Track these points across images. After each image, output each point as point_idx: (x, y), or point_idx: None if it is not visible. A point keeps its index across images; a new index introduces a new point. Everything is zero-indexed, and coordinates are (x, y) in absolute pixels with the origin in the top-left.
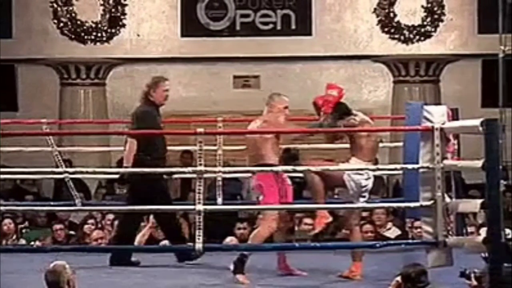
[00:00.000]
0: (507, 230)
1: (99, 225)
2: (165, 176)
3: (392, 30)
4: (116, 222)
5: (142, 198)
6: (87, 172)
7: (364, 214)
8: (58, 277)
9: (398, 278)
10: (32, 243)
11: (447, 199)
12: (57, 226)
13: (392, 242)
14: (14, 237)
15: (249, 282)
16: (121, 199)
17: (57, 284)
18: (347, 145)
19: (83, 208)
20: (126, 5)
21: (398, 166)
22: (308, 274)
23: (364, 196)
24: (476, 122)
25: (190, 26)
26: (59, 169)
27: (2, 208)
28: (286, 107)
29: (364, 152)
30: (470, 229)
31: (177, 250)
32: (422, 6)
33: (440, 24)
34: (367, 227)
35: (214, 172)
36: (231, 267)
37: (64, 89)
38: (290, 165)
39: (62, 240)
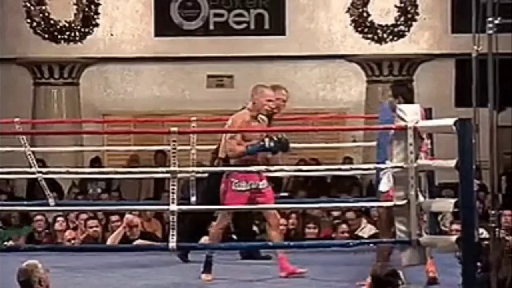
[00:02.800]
0: (480, 230)
1: (73, 225)
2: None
3: (366, 30)
4: (89, 222)
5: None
6: (60, 172)
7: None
8: (29, 276)
9: (369, 279)
10: (6, 243)
11: (421, 198)
12: (38, 217)
13: (366, 241)
14: None
15: (212, 280)
16: (94, 199)
17: (28, 283)
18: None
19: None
20: (99, 4)
21: (372, 166)
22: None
23: None
24: (450, 121)
25: (164, 26)
26: (32, 169)
27: None
28: (269, 100)
29: None
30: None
31: (150, 249)
32: (396, 6)
33: (414, 23)
34: (343, 227)
35: (188, 172)
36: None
37: (37, 88)
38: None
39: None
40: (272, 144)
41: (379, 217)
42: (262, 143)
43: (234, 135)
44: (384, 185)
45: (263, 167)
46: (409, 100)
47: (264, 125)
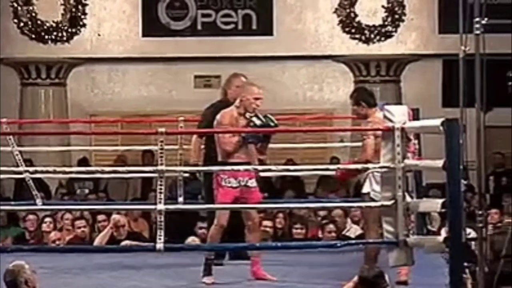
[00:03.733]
0: (468, 230)
1: (58, 226)
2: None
3: (353, 30)
4: (76, 222)
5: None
6: (47, 172)
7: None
8: (16, 276)
9: (355, 279)
10: None
11: (408, 199)
12: (30, 217)
13: (353, 241)
14: None
15: (213, 284)
16: (81, 199)
17: (15, 284)
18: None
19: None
20: (86, 4)
21: (359, 166)
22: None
23: None
24: (437, 122)
25: (151, 26)
26: (20, 169)
27: None
28: (257, 98)
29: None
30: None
31: (138, 250)
32: (383, 6)
33: (401, 24)
34: (330, 227)
35: (175, 171)
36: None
37: (24, 89)
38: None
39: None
40: (259, 121)
41: (364, 218)
42: (251, 124)
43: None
44: (366, 187)
45: (250, 167)
46: (373, 104)
47: None
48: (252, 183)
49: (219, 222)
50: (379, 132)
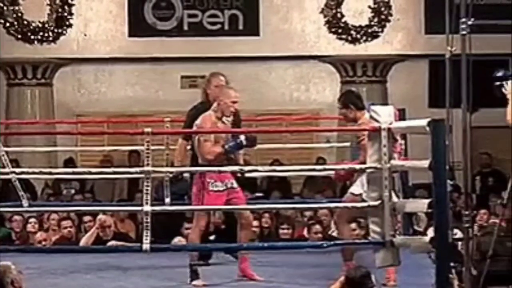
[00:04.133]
0: (455, 230)
1: (46, 226)
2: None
3: (340, 31)
4: (63, 223)
5: None
6: (33, 173)
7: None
8: (2, 277)
9: (342, 279)
10: None
11: (394, 199)
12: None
13: (339, 242)
14: None
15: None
16: (67, 200)
17: (1, 285)
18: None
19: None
20: (73, 5)
21: (346, 166)
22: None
23: None
24: (423, 122)
25: (138, 26)
26: (6, 169)
27: None
28: (234, 102)
29: None
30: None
31: (124, 251)
32: (369, 7)
33: (387, 24)
34: (316, 227)
35: (162, 172)
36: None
37: (10, 89)
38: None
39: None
40: (246, 141)
41: (338, 216)
42: (238, 140)
43: (208, 137)
44: (358, 188)
45: (237, 167)
46: (361, 107)
47: (228, 126)
48: (234, 183)
49: (198, 224)
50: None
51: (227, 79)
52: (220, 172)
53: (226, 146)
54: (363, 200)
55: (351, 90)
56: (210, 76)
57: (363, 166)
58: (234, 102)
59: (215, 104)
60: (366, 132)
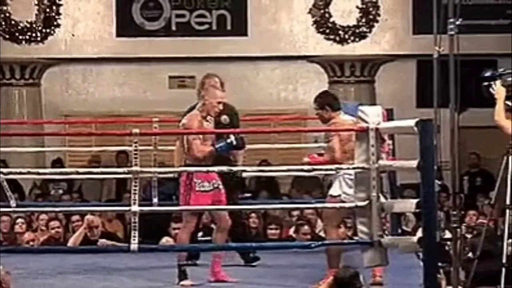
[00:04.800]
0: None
1: (34, 226)
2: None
3: (328, 31)
4: (51, 223)
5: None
6: (21, 173)
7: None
8: None
9: (330, 280)
10: None
11: (382, 199)
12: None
13: (327, 242)
14: None
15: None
16: (55, 200)
17: None
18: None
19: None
20: (61, 5)
21: (333, 166)
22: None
23: None
24: (411, 122)
25: (125, 26)
26: None
27: None
28: (219, 102)
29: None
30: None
31: (112, 251)
32: (357, 7)
33: (375, 24)
34: (305, 228)
35: (150, 172)
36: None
37: None
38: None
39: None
40: (236, 141)
41: (325, 219)
42: (229, 140)
43: (197, 136)
44: (336, 189)
45: (224, 167)
46: (337, 108)
47: (211, 126)
48: (220, 184)
49: (187, 225)
50: (346, 134)
51: (222, 80)
52: (208, 172)
53: (217, 146)
54: (342, 201)
55: (327, 91)
56: (205, 78)
57: (351, 166)
58: (219, 103)
59: (200, 104)
60: (341, 133)
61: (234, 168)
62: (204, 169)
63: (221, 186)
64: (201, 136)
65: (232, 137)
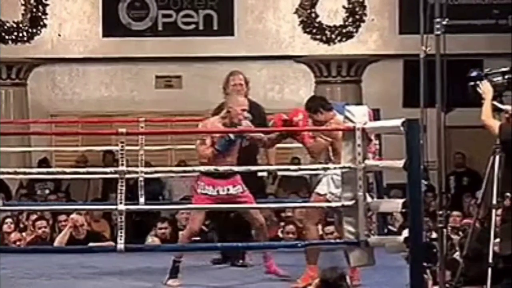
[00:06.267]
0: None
1: (21, 226)
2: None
3: (314, 31)
4: (37, 223)
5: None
6: (8, 173)
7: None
8: None
9: (317, 281)
10: None
11: (369, 199)
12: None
13: (314, 242)
14: None
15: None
16: (42, 200)
17: None
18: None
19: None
20: (47, 5)
21: (320, 166)
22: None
23: None
24: (397, 122)
25: (112, 26)
26: None
27: None
28: (244, 110)
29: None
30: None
31: (99, 251)
32: (344, 7)
33: (362, 24)
34: (290, 227)
35: (136, 172)
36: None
37: None
38: None
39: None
40: (234, 136)
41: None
42: (227, 138)
43: (202, 140)
44: (324, 188)
45: (211, 167)
46: (329, 108)
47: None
48: (238, 189)
49: (191, 226)
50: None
51: (247, 79)
52: (213, 177)
53: (217, 147)
54: (328, 201)
55: (314, 96)
56: (229, 75)
57: (337, 166)
58: (243, 110)
59: (224, 111)
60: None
61: (221, 168)
62: (190, 168)
63: (235, 191)
64: (207, 141)
65: (230, 135)
